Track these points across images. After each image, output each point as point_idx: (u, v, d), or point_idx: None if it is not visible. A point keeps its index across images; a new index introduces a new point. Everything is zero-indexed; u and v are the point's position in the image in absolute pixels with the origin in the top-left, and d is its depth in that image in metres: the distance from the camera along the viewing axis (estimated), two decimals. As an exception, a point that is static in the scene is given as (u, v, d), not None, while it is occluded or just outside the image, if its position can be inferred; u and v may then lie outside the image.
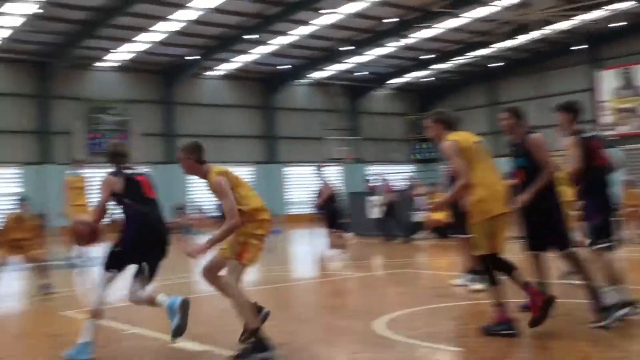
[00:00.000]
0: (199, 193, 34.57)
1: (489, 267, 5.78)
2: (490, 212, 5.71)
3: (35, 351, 5.93)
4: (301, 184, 37.78)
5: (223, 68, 35.98)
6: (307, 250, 17.36)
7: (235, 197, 5.72)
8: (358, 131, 41.10)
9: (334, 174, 41.14)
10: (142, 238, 5.86)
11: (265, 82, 38.24)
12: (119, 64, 33.36)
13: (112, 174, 6.11)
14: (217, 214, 28.87)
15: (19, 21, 26.33)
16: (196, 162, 6.09)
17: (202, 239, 22.44)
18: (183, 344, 5.82)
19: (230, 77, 37.20)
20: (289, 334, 6.20)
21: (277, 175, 38.20)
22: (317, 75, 38.57)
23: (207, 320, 7.13)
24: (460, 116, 6.77)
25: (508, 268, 5.84)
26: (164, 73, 34.79)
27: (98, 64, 32.89)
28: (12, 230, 10.17)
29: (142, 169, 6.99)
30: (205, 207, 30.91)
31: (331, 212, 15.44)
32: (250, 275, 12.49)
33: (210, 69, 35.72)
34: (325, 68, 37.40)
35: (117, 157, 6.34)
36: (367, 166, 39.38)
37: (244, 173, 37.90)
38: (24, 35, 28.01)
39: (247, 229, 5.65)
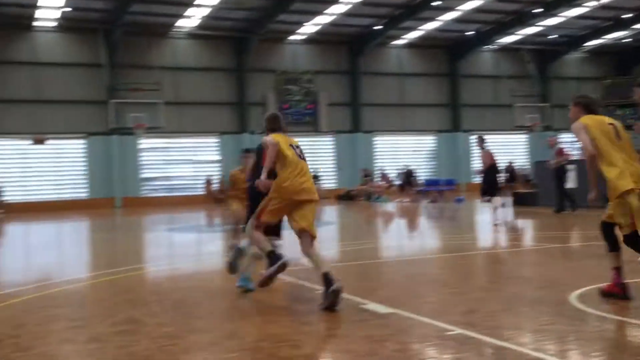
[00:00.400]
0: (385, 161, 35.12)
1: (606, 233, 6.06)
2: (617, 190, 5.82)
3: (233, 306, 6.52)
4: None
5: (407, 37, 35.91)
6: (489, 220, 17.10)
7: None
8: (548, 97, 39.26)
9: (521, 143, 39.81)
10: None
11: (450, 49, 37.65)
12: (307, 36, 34.50)
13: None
14: (401, 181, 29.22)
15: (216, 0, 28.15)
16: (268, 131, 6.85)
17: (388, 205, 22.84)
18: (373, 305, 6.12)
19: (414, 45, 37.05)
20: (474, 301, 6.27)
21: (461, 144, 37.63)
22: (504, 40, 37.27)
23: (393, 284, 7.39)
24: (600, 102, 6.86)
25: (615, 244, 6.02)
26: (350, 44, 35.46)
27: (288, 37, 34.29)
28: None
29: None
30: (391, 175, 31.30)
31: (489, 182, 15.34)
32: (433, 243, 12.65)
33: (395, 38, 35.80)
34: (514, 32, 36.00)
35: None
36: (556, 134, 37.57)
37: (427, 142, 37.83)
38: (221, 12, 29.93)
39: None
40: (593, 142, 6.01)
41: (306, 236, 6.37)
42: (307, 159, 6.75)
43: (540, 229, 14.74)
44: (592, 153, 5.98)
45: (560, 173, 16.85)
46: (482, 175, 15.52)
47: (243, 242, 7.33)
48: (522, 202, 20.33)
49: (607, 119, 6.27)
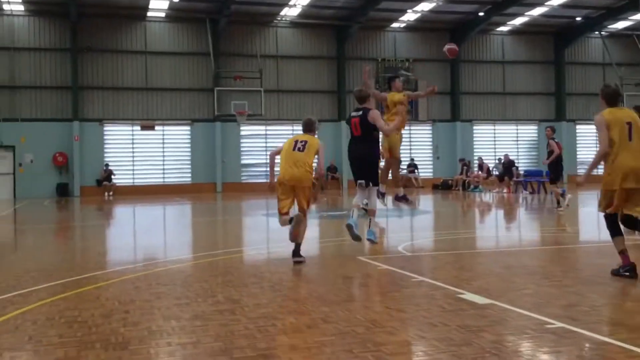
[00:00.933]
0: (485, 150, 34.46)
1: (610, 222, 6.98)
2: (612, 185, 6.73)
3: (330, 291, 6.63)
4: (592, 143, 35.56)
5: (511, 23, 34.94)
6: (592, 212, 16.50)
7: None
8: (661, 86, 37.24)
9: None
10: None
11: (555, 36, 36.35)
12: (407, 23, 34.20)
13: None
14: (498, 172, 28.55)
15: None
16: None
17: (485, 196, 22.40)
18: (469, 295, 6.07)
19: (518, 32, 36.03)
20: (576, 295, 6.10)
21: (565, 134, 36.33)
22: (615, 26, 35.58)
23: (490, 275, 7.28)
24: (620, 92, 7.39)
25: (616, 229, 6.95)
26: (451, 31, 34.89)
27: (389, 25, 34.12)
28: None
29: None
30: (490, 165, 30.67)
31: (557, 171, 16.95)
32: (532, 235, 12.33)
33: (498, 24, 34.92)
34: (626, 17, 34.31)
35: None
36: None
37: (529, 131, 36.77)
38: (322, 1, 30.15)
39: None
40: (610, 141, 6.73)
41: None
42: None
43: None
44: (606, 151, 6.75)
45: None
46: (552, 164, 16.74)
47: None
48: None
49: (627, 115, 6.93)
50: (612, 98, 7.11)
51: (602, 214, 7.05)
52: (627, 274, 6.81)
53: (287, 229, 8.49)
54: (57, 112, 30.54)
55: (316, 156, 8.73)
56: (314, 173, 8.77)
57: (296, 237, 8.40)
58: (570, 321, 5.03)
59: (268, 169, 9.09)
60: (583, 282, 6.87)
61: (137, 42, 31.51)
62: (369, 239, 9.27)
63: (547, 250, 8.84)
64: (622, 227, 7.01)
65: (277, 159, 8.77)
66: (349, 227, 8.89)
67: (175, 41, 31.98)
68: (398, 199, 14.13)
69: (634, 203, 6.77)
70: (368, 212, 9.41)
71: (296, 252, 8.43)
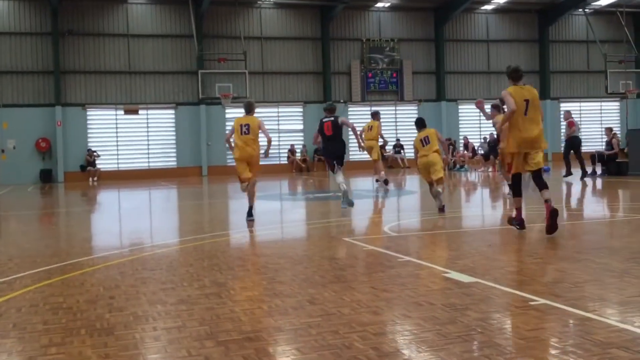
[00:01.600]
0: (470, 130, 34.55)
1: (515, 183, 8.72)
2: (511, 149, 8.39)
3: (315, 273, 6.64)
4: (576, 121, 35.73)
5: (495, 1, 34.91)
6: (578, 190, 16.59)
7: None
8: (644, 63, 37.41)
9: (614, 110, 38.21)
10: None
11: (540, 14, 36.38)
12: (390, 3, 34.08)
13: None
14: (483, 151, 28.65)
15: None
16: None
17: (471, 175, 22.46)
18: (455, 274, 6.11)
19: (501, 10, 36.02)
20: (559, 272, 6.16)
21: (549, 112, 36.48)
22: (597, 3, 35.63)
23: (475, 254, 7.32)
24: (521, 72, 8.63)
25: (518, 190, 8.73)
26: (435, 10, 34.83)
27: (374, 5, 33.97)
28: None
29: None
30: (476, 145, 30.76)
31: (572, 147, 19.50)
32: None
33: (482, 3, 34.88)
34: (608, -5, 34.42)
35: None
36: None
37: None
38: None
39: None
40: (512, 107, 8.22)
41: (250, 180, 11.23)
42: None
43: (632, 199, 14.20)
44: (513, 110, 8.19)
45: (574, 142, 19.72)
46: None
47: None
48: (613, 171, 19.98)
49: (527, 93, 8.40)
50: (514, 76, 8.55)
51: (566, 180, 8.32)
52: (518, 226, 8.74)
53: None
54: (39, 97, 30.23)
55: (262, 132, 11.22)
56: (261, 149, 11.28)
57: (251, 197, 11.34)
58: (553, 298, 5.08)
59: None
60: (566, 259, 6.93)
61: (119, 25, 31.17)
62: (349, 205, 12.33)
63: (530, 228, 8.90)
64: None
65: (232, 139, 11.33)
66: (345, 194, 12.26)
67: (158, 23, 31.67)
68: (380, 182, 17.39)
69: (527, 162, 8.49)
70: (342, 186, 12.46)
71: (250, 213, 11.27)
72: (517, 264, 6.73)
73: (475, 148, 30.07)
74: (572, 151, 19.74)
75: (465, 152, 29.67)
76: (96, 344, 4.33)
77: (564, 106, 37.32)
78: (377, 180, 18.01)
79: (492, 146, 27.87)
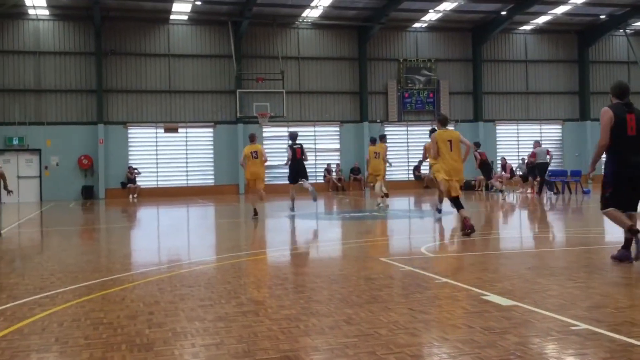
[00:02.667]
0: (508, 150, 34.23)
1: (455, 202, 11.70)
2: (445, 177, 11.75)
3: (352, 293, 6.63)
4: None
5: (534, 22, 34.68)
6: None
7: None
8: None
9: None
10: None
11: (579, 34, 36.02)
12: (428, 23, 34.11)
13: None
14: (521, 173, 28.33)
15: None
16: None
17: (509, 197, 22.28)
18: (493, 297, 6.05)
19: (540, 30, 35.77)
20: (601, 296, 6.05)
21: (590, 133, 35.99)
22: (639, 23, 35.17)
23: (514, 277, 7.24)
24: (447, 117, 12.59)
25: (459, 205, 11.58)
26: (473, 30, 34.74)
27: (411, 25, 34.05)
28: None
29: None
30: (514, 166, 30.45)
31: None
32: (557, 236, 12.21)
33: (521, 23, 34.69)
34: (651, 15, 33.93)
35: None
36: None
37: (552, 131, 36.46)
38: (344, 2, 30.18)
39: None
40: (439, 151, 11.71)
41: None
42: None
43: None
44: (434, 156, 11.89)
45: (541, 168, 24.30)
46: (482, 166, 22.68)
47: None
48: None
49: (449, 135, 11.88)
50: (443, 123, 12.20)
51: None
52: (469, 231, 11.11)
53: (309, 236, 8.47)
54: (82, 115, 30.90)
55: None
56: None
57: (258, 203, 16.40)
58: (595, 323, 4.99)
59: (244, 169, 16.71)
60: (608, 283, 6.80)
61: (160, 45, 31.76)
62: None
63: (571, 251, 8.76)
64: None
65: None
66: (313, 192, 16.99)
67: (198, 44, 32.18)
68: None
69: (454, 188, 11.61)
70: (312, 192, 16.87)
71: (255, 213, 16.12)
72: (558, 287, 6.63)
73: (513, 169, 29.73)
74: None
75: (503, 173, 29.34)
76: (136, 359, 4.39)
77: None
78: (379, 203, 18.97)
79: (531, 168, 27.60)
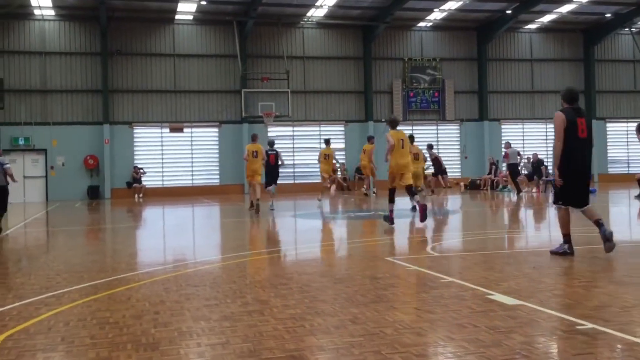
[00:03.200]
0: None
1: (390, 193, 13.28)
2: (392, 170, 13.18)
3: (357, 292, 6.63)
4: (623, 141, 35.07)
5: (540, 20, 34.59)
6: (626, 212, 16.25)
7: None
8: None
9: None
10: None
11: (585, 33, 35.92)
12: (432, 22, 34.08)
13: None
14: (526, 172, 28.27)
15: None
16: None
17: (514, 196, 22.20)
18: (499, 296, 6.04)
19: (545, 29, 35.69)
20: (608, 295, 6.03)
21: (596, 132, 35.86)
22: (646, 21, 35.06)
23: (520, 276, 7.23)
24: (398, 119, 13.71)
25: (393, 197, 13.23)
26: (478, 29, 34.69)
27: (416, 24, 34.02)
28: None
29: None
30: (520, 165, 30.35)
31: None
32: (560, 236, 12.15)
33: (526, 22, 34.62)
34: (657, 13, 33.79)
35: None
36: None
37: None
38: (349, 1, 30.16)
39: None
40: (393, 147, 12.85)
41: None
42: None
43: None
44: (392, 144, 12.92)
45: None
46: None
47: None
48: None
49: (401, 134, 13.21)
50: (394, 124, 13.39)
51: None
52: (390, 222, 12.91)
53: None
54: (88, 115, 30.97)
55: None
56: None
57: (257, 195, 17.87)
58: (601, 322, 4.98)
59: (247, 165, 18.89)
60: (614, 282, 6.79)
61: (165, 45, 31.81)
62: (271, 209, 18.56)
63: (577, 250, 8.74)
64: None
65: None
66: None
67: (203, 43, 32.22)
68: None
69: (400, 180, 13.18)
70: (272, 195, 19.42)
71: (257, 208, 17.77)
72: (564, 286, 6.62)
73: (519, 168, 29.64)
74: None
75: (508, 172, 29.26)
76: (142, 358, 4.40)
77: (611, 126, 36.72)
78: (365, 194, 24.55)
79: (536, 166, 27.55)
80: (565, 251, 8.60)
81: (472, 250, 9.85)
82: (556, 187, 8.64)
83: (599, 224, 8.42)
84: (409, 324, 5.11)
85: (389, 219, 12.95)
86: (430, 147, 27.43)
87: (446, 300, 6.03)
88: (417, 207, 13.33)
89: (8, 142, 29.93)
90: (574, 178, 8.43)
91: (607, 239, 8.32)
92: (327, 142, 23.30)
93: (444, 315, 5.45)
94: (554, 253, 8.70)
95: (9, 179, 13.83)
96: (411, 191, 13.63)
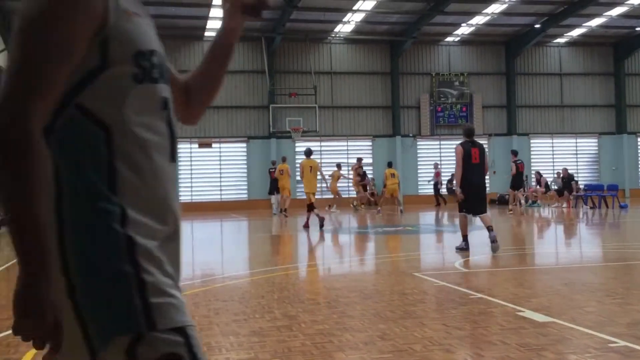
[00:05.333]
0: (543, 164, 33.86)
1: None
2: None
3: (386, 308, 6.61)
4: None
5: (569, 34, 34.32)
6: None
7: None
8: None
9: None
10: None
11: (615, 47, 35.54)
12: (461, 37, 34.01)
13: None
14: (556, 187, 27.97)
15: (370, 5, 28.53)
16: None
17: (543, 211, 21.91)
18: (529, 313, 5.98)
19: (575, 43, 35.37)
20: (639, 313, 5.95)
21: (626, 147, 35.45)
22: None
23: (551, 292, 7.15)
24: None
25: (311, 207, 16.81)
26: (506, 44, 34.53)
27: (443, 39, 33.98)
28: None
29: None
30: (549, 179, 30.10)
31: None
32: (594, 251, 12.01)
33: (555, 36, 34.36)
34: (689, 26, 33.31)
35: None
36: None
37: (588, 144, 35.95)
38: (376, 17, 30.27)
39: None
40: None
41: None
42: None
43: None
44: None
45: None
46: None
47: None
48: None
49: (311, 162, 17.38)
50: (308, 154, 17.22)
51: None
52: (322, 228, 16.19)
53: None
54: (118, 131, 31.32)
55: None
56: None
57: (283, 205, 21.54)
58: (634, 340, 4.90)
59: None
60: (648, 300, 6.67)
61: (195, 62, 32.06)
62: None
63: (609, 267, 8.62)
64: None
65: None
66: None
67: (231, 60, 32.47)
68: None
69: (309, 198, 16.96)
70: None
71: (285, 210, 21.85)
72: (596, 303, 6.53)
73: (548, 183, 29.38)
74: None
75: (538, 187, 29.00)
76: (172, 373, 4.42)
77: (642, 140, 36.22)
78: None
79: (566, 182, 27.26)
80: (463, 247, 11.11)
81: (502, 266, 9.77)
82: (459, 200, 11.07)
83: (489, 229, 10.86)
84: (438, 341, 5.08)
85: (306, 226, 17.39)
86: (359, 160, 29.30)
87: (475, 316, 5.98)
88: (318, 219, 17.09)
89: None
90: (471, 193, 10.94)
91: (492, 241, 10.74)
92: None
93: (473, 332, 5.41)
94: (458, 249, 11.17)
95: None
96: (311, 206, 17.53)
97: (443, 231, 16.71)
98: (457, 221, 18.18)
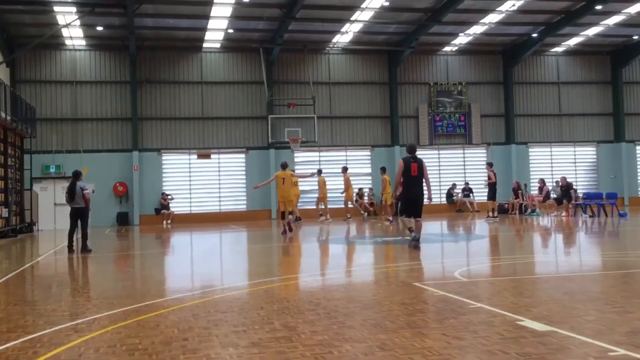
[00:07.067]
0: (541, 173, 33.88)
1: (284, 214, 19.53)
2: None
3: (386, 318, 6.60)
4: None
5: (566, 43, 34.44)
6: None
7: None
8: None
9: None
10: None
11: (611, 55, 35.67)
12: (458, 47, 34.11)
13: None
14: (555, 195, 27.96)
15: (368, 15, 28.64)
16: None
17: (543, 219, 21.93)
18: (528, 322, 5.97)
19: (572, 52, 35.50)
20: (639, 321, 5.94)
21: (625, 155, 35.49)
22: (675, 43, 34.67)
23: (550, 301, 7.14)
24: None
25: (283, 215, 19.86)
26: (504, 53, 34.64)
27: (441, 48, 34.08)
28: None
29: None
30: (548, 187, 30.07)
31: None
32: (593, 259, 12.00)
33: (552, 45, 34.48)
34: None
35: None
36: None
37: (586, 153, 36.00)
38: (374, 27, 30.37)
39: None
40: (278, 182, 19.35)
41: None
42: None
43: None
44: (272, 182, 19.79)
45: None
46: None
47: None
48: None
49: (283, 174, 19.58)
50: (284, 167, 19.47)
51: None
52: (287, 234, 18.85)
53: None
54: (118, 142, 31.42)
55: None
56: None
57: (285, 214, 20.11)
58: (633, 348, 4.90)
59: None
60: (648, 308, 6.66)
61: (193, 73, 32.25)
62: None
63: (609, 275, 8.61)
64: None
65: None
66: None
67: (230, 71, 32.60)
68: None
69: (284, 206, 19.30)
70: None
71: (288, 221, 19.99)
72: (596, 312, 6.52)
73: (548, 191, 29.38)
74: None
75: (541, 195, 28.98)
76: (171, 385, 4.42)
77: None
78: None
79: (565, 190, 27.26)
80: (414, 238, 13.25)
81: (501, 275, 9.76)
82: (400, 205, 13.70)
83: (417, 231, 13.22)
84: (438, 351, 5.07)
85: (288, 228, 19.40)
86: (319, 172, 28.40)
87: (475, 326, 5.97)
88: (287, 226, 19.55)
89: (39, 169, 30.44)
90: (409, 199, 13.31)
91: (415, 240, 13.13)
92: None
93: (473, 341, 5.40)
94: (411, 242, 13.18)
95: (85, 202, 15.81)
96: (283, 215, 19.61)
97: (443, 241, 16.69)
98: (457, 230, 18.15)
